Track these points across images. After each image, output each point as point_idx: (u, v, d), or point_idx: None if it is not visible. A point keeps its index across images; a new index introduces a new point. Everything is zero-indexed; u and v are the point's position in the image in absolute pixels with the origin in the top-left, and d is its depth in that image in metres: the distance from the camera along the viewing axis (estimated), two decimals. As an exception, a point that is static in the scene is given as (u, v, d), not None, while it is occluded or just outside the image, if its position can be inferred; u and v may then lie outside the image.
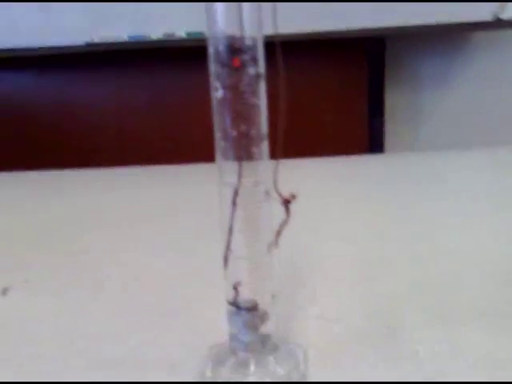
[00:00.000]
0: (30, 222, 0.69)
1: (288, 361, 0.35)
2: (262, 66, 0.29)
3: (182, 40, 1.28)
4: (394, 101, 1.48)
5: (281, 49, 0.29)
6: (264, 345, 0.35)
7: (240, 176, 0.31)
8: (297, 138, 1.40)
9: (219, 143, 0.30)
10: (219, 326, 0.35)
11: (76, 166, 0.98)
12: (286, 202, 0.33)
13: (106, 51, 1.33)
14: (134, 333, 0.41)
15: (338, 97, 1.46)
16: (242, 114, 0.29)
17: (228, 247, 0.33)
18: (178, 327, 0.42)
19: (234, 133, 0.29)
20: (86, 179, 0.90)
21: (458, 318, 0.41)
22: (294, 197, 0.33)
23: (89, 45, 1.32)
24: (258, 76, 0.29)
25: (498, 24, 1.31)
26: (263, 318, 0.34)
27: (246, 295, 0.34)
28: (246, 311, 0.34)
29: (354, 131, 1.47)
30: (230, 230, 0.32)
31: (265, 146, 0.31)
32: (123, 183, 0.86)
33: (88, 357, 0.38)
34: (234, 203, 0.32)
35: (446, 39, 1.45)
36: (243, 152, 0.30)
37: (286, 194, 0.33)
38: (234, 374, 0.34)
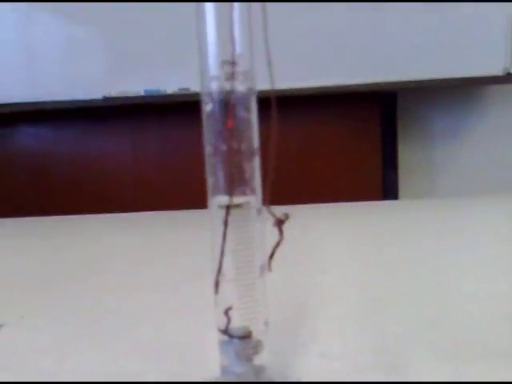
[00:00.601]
0: (39, 265, 0.69)
1: (284, 395, 0.33)
2: (253, 80, 0.29)
3: (196, 94, 1.31)
4: (408, 153, 1.48)
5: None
6: (258, 377, 0.33)
7: (231, 194, 0.30)
8: (310, 189, 1.40)
9: (209, 159, 0.30)
10: (213, 362, 0.33)
11: (91, 213, 0.98)
12: (280, 223, 0.32)
13: (122, 105, 1.37)
14: (124, 366, 0.39)
15: (351, 149, 1.46)
16: (232, 128, 0.28)
17: (219, 270, 0.32)
18: (170, 362, 0.40)
19: (224, 147, 0.29)
20: (96, 224, 0.90)
21: (470, 358, 0.38)
22: (287, 216, 0.31)
23: (106, 99, 1.35)
24: (249, 90, 0.29)
25: (508, 78, 1.32)
26: (257, 347, 0.33)
27: (238, 323, 0.32)
28: (238, 339, 0.32)
29: (367, 183, 1.46)
30: (222, 252, 0.31)
31: (256, 163, 0.30)
32: (130, 228, 0.86)
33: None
34: (225, 223, 0.31)
35: (458, 93, 1.46)
36: (234, 168, 0.30)
37: (278, 214, 0.32)
38: (226, 409, 0.32)
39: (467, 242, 0.68)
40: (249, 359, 0.32)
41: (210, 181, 0.31)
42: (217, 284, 0.32)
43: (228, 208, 0.31)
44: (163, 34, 1.30)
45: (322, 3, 1.33)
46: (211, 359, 0.34)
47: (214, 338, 0.33)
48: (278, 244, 0.32)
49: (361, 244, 0.69)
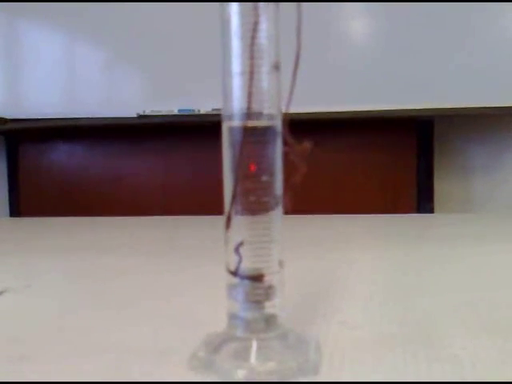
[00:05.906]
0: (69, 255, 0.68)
1: (297, 348, 0.30)
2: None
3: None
4: (444, 184, 1.43)
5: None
6: (268, 325, 0.29)
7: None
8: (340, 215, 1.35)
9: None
10: (221, 324, 0.30)
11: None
12: (302, 152, 0.29)
13: (155, 123, 1.38)
14: (131, 325, 0.37)
15: (385, 176, 1.42)
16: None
17: (233, 202, 0.29)
18: (177, 323, 0.37)
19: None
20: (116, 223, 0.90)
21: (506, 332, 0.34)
22: (310, 145, 0.29)
23: (140, 116, 1.37)
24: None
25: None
26: (268, 291, 0.29)
27: (249, 264, 0.29)
28: (248, 281, 0.29)
29: (401, 213, 1.41)
30: (236, 178, 0.29)
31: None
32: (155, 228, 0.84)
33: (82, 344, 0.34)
34: (240, 148, 0.29)
35: (498, 122, 1.42)
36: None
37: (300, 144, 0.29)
38: (231, 359, 0.29)
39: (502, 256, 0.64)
40: (259, 304, 0.29)
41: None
42: (229, 218, 0.29)
43: (245, 129, 0.29)
44: (199, 55, 1.31)
45: (362, 28, 1.33)
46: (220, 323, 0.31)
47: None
48: (299, 175, 0.29)
49: (389, 245, 0.65)
